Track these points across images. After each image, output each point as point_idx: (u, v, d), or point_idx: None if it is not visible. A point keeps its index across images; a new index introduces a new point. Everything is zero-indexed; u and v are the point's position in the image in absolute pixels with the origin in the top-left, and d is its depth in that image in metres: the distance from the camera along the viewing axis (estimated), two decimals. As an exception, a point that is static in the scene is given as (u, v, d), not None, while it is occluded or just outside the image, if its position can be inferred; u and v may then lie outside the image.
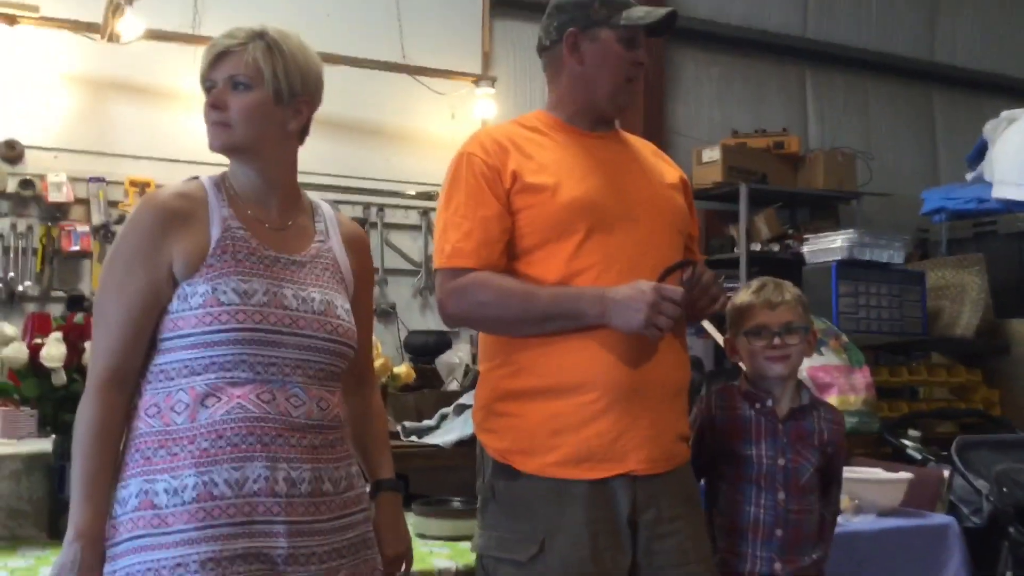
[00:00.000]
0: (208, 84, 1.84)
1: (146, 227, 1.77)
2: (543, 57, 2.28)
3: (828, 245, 4.29)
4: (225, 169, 1.90)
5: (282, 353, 1.77)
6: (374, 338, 3.28)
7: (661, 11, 2.20)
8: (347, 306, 1.91)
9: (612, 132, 2.29)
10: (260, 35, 1.84)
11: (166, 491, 1.69)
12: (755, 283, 2.46)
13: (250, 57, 1.81)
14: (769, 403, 2.39)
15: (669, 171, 2.34)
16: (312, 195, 2.04)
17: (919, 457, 3.72)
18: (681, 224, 2.28)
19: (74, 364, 2.55)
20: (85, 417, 1.73)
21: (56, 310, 4.49)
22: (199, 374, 1.74)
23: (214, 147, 1.84)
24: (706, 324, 4.28)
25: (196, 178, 1.88)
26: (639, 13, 2.18)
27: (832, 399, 3.80)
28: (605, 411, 2.04)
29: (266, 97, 1.82)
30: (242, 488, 1.71)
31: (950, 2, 7.70)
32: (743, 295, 2.43)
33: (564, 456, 2.03)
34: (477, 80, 5.59)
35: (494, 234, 2.08)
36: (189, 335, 1.74)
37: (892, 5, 7.42)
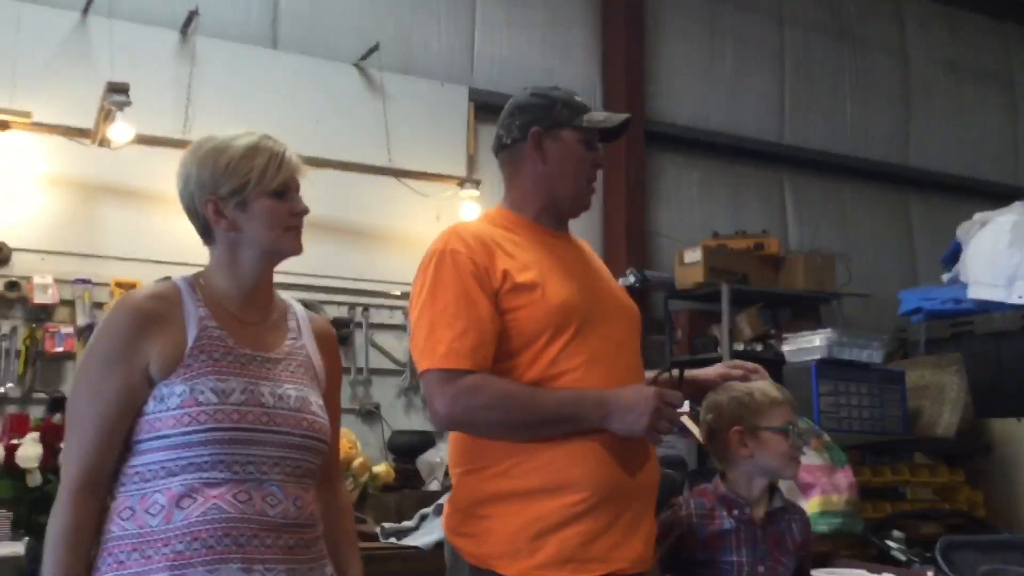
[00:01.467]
0: (285, 189, 1.89)
1: (121, 329, 1.79)
2: (501, 156, 2.31)
3: (807, 344, 4.32)
4: (197, 270, 1.94)
5: (260, 451, 1.78)
6: (353, 437, 3.29)
7: (620, 116, 2.27)
8: (321, 402, 1.93)
9: (567, 232, 2.33)
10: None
11: None
12: (764, 378, 2.40)
13: (301, 169, 1.92)
14: (747, 510, 2.36)
15: (610, 273, 2.41)
16: (289, 294, 2.08)
17: (903, 558, 3.69)
18: (639, 322, 2.33)
19: (50, 465, 2.54)
20: (58, 522, 1.73)
21: (38, 412, 4.46)
22: (176, 475, 1.74)
23: (299, 252, 1.92)
24: (687, 421, 4.29)
25: (168, 279, 1.91)
26: (600, 117, 2.24)
27: (815, 499, 3.78)
28: (589, 511, 2.03)
29: None
30: None
31: (923, 108, 7.93)
32: (767, 388, 2.37)
33: (547, 558, 2.01)
34: (462, 182, 5.69)
35: (488, 335, 2.05)
36: (167, 436, 1.75)
37: (866, 112, 7.64)
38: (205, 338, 1.81)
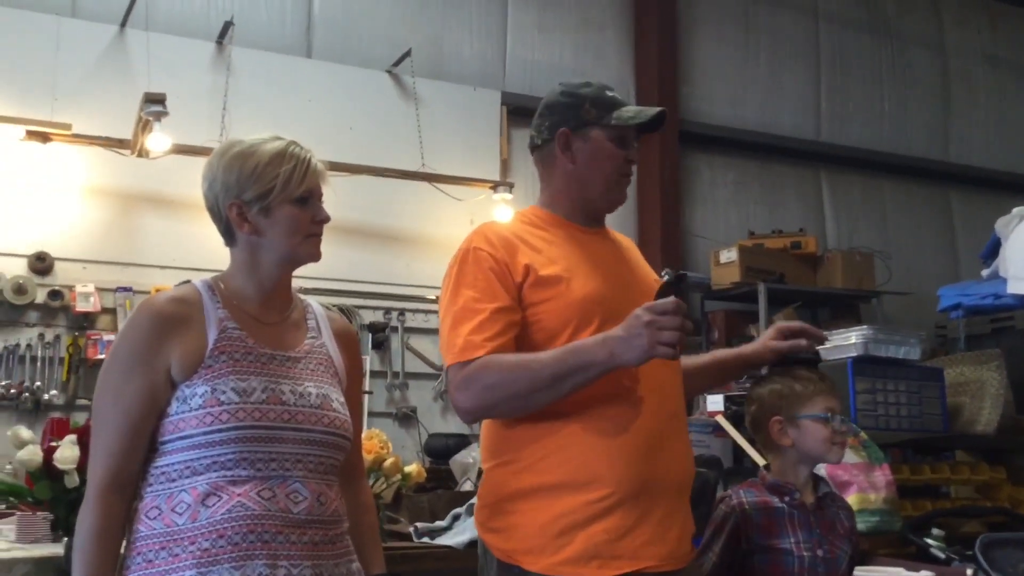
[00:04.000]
0: (308, 195, 1.91)
1: (143, 332, 1.82)
2: (534, 155, 2.31)
3: (843, 342, 4.27)
4: (216, 273, 1.97)
5: (282, 448, 1.81)
6: (385, 437, 3.32)
7: (652, 110, 2.23)
8: (342, 399, 1.95)
9: (603, 229, 2.32)
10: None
11: None
12: (798, 371, 2.38)
13: (325, 177, 1.95)
14: (797, 495, 2.36)
15: (650, 270, 2.38)
16: (323, 299, 2.11)
17: (943, 556, 3.64)
18: None
19: (87, 467, 2.59)
20: (86, 523, 1.76)
21: (81, 419, 4.54)
22: (201, 474, 1.77)
23: (318, 259, 1.95)
24: (722, 421, 4.27)
25: (188, 282, 1.95)
26: (629, 113, 2.20)
27: (852, 497, 3.74)
28: (614, 507, 2.02)
29: None
30: None
31: (962, 103, 7.82)
32: (802, 379, 2.37)
33: (573, 554, 2.00)
34: (495, 186, 5.72)
35: (505, 326, 2.06)
36: (190, 436, 1.78)
37: (905, 108, 7.55)
38: (225, 339, 1.84)
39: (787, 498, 2.36)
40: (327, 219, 1.94)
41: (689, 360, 2.39)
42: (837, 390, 2.42)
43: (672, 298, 1.98)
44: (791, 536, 2.32)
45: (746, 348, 2.40)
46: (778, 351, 2.34)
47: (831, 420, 2.34)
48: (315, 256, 1.94)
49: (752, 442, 4.18)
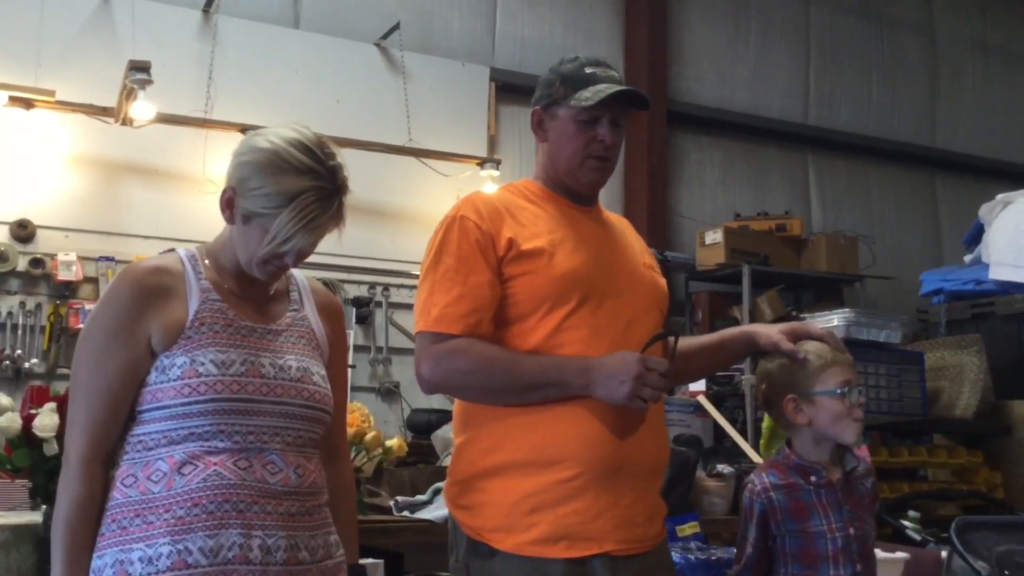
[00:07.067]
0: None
1: (124, 302, 1.80)
2: None
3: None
4: (200, 243, 1.94)
5: (260, 421, 1.79)
6: (367, 411, 3.32)
7: (609, 90, 2.15)
8: (323, 372, 1.93)
9: (594, 207, 2.29)
10: None
11: (141, 560, 1.70)
12: (808, 344, 2.27)
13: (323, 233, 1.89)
14: (823, 474, 2.27)
15: (645, 251, 2.36)
16: (308, 273, 2.08)
17: (918, 538, 3.68)
18: (661, 302, 2.28)
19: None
20: (69, 493, 1.75)
21: (61, 387, 4.53)
22: (178, 444, 1.76)
23: (266, 280, 1.90)
24: (703, 401, 4.30)
25: (172, 250, 1.92)
26: (588, 94, 2.15)
27: (830, 479, 3.77)
28: (584, 489, 2.01)
29: None
30: (216, 556, 1.71)
31: (950, 89, 7.84)
32: (819, 349, 2.24)
33: (541, 534, 2.00)
34: (482, 162, 5.70)
35: (484, 302, 2.05)
36: (167, 406, 1.76)
37: (892, 93, 7.56)
38: (206, 310, 1.82)
39: (813, 478, 2.26)
40: (289, 267, 1.86)
41: (691, 340, 2.35)
42: (852, 360, 2.29)
43: (667, 361, 2.00)
44: (823, 518, 2.25)
45: (758, 328, 2.36)
46: (777, 348, 2.26)
47: (848, 394, 2.22)
48: (265, 277, 1.87)
49: (733, 423, 4.21)
